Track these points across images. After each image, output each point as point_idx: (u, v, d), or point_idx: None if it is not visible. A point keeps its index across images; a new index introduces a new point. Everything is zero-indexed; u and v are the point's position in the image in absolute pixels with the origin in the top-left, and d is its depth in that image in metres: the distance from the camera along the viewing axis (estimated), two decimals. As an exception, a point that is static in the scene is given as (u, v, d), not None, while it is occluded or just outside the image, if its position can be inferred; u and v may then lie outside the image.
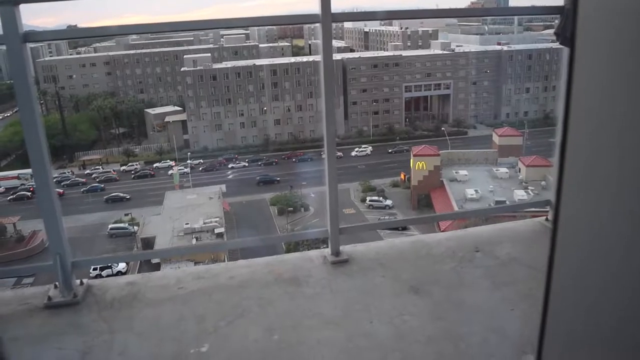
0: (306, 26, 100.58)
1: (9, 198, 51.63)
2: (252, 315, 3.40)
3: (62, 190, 50.32)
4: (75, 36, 5.08)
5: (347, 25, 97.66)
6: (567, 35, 4.08)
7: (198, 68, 67.89)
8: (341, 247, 4.10)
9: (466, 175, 47.03)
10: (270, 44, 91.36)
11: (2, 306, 3.61)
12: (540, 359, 1.53)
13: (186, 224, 39.92)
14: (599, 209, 1.31)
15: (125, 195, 52.00)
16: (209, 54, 72.78)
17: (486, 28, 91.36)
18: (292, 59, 74.13)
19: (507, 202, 37.22)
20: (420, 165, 47.99)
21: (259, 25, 64.20)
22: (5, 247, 40.43)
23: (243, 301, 3.56)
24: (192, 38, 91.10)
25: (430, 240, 4.38)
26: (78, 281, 3.81)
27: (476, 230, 4.65)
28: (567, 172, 1.35)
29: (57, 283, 3.68)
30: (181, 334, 3.24)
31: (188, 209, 42.86)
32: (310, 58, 73.38)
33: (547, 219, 4.61)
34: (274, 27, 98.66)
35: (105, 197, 52.01)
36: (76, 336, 3.26)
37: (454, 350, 3.00)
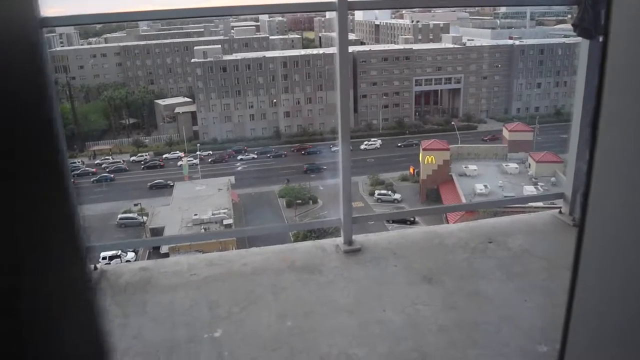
0: (317, 18, 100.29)
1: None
2: (265, 302, 3.42)
3: (73, 180, 50.48)
4: (93, 22, 5.07)
5: (358, 17, 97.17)
6: (585, 26, 4.05)
7: (208, 59, 67.85)
8: (353, 237, 4.11)
9: (475, 170, 46.77)
10: (281, 36, 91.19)
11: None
12: (563, 357, 1.52)
13: (195, 214, 40.04)
14: (630, 206, 1.28)
15: (168, 182, 52.16)
16: (219, 46, 72.68)
17: (498, 22, 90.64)
18: (303, 51, 73.91)
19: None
20: (430, 160, 47.77)
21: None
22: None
23: (256, 288, 3.58)
24: (202, 29, 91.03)
25: (442, 231, 4.38)
26: (92, 266, 3.85)
27: (489, 222, 4.64)
28: (596, 167, 1.32)
29: (71, 267, 3.71)
30: (194, 319, 3.27)
31: (197, 200, 42.97)
32: (321, 50, 73.16)
33: (560, 212, 4.60)
34: (284, 19, 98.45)
35: (149, 184, 52.24)
36: (91, 320, 3.28)
37: (467, 339, 3.00)
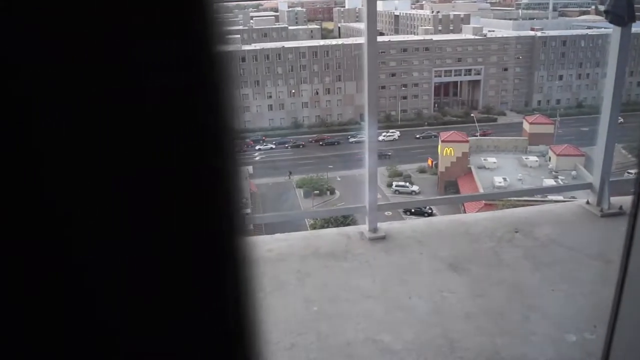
0: (335, 9, 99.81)
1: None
2: (290, 287, 3.43)
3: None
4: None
5: (378, 8, 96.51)
6: (617, 12, 3.97)
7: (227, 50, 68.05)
8: (378, 224, 4.10)
9: (495, 162, 46.31)
10: (300, 27, 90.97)
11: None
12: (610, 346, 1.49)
13: (213, 204, 40.30)
14: None
15: None
16: (238, 36, 72.80)
17: (520, 13, 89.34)
18: (322, 42, 73.71)
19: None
20: (448, 152, 47.41)
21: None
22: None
23: (281, 273, 3.59)
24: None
25: (468, 220, 4.35)
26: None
27: (514, 212, 4.60)
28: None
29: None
30: (221, 303, 3.29)
31: (215, 189, 43.21)
32: (340, 41, 72.91)
33: (587, 202, 4.54)
34: (304, 9, 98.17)
35: None
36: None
37: (494, 327, 2.98)
